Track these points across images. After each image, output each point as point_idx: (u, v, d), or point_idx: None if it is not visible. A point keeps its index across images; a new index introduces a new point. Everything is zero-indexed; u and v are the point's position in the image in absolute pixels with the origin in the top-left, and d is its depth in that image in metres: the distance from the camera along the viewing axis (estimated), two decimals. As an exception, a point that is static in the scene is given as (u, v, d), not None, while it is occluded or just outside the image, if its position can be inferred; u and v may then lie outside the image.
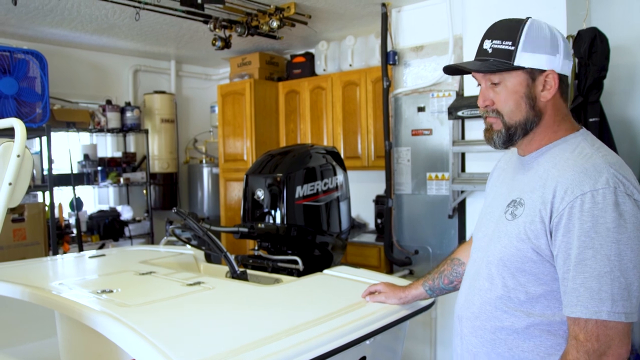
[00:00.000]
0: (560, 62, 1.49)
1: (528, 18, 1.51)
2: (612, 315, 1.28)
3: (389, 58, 4.48)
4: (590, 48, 3.19)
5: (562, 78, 1.50)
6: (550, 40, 1.48)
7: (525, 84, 1.49)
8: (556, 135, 1.52)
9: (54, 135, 5.14)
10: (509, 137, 1.54)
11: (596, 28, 3.23)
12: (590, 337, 1.30)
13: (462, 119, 3.89)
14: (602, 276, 1.29)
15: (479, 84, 1.59)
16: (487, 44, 1.51)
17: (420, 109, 4.32)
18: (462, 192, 3.99)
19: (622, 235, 1.30)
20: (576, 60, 3.29)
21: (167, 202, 6.51)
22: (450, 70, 1.63)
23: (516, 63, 1.47)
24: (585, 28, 3.30)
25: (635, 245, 1.30)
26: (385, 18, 4.45)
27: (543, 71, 1.48)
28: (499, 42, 1.49)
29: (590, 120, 3.21)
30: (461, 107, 3.78)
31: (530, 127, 1.52)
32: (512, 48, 1.46)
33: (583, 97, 3.22)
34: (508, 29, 1.49)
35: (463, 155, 4.07)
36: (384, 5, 4.42)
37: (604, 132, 3.23)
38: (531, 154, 1.56)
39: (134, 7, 4.22)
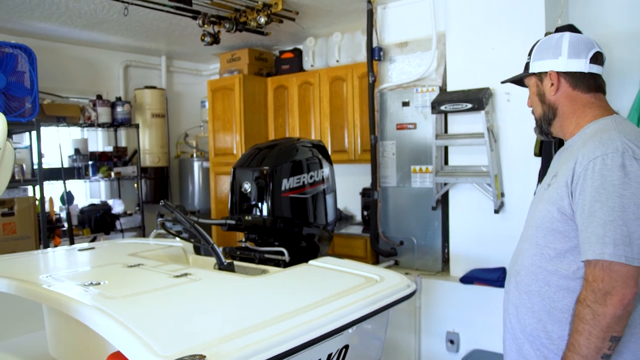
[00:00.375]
0: (564, 62, 1.81)
1: (548, 33, 2.00)
2: (614, 257, 1.51)
3: (375, 54, 4.54)
4: (568, 44, 3.26)
5: (570, 74, 1.81)
6: (554, 47, 1.83)
7: (536, 85, 1.90)
8: (586, 119, 1.81)
9: (44, 129, 5.18)
10: (540, 129, 1.94)
11: (573, 25, 3.31)
12: (597, 278, 1.54)
13: (445, 113, 3.96)
14: (606, 224, 1.53)
15: None
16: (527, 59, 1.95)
17: (405, 104, 4.39)
18: (445, 184, 4.08)
19: (626, 191, 1.54)
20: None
21: (158, 196, 6.54)
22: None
23: (530, 71, 1.90)
24: (563, 25, 3.38)
25: (638, 200, 1.54)
26: (370, 15, 4.51)
27: (545, 72, 1.85)
28: (527, 58, 1.93)
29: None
30: (444, 101, 3.86)
31: (550, 118, 1.89)
32: (528, 60, 1.91)
33: (561, 92, 3.30)
34: (532, 47, 1.92)
35: (446, 148, 4.15)
36: (369, 2, 4.48)
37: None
38: (571, 138, 1.86)
39: (123, 2, 4.26)
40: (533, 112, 1.96)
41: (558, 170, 1.77)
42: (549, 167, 2.01)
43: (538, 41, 1.91)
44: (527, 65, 1.92)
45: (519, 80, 2.01)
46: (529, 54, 1.91)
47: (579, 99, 1.82)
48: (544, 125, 1.90)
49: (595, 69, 1.80)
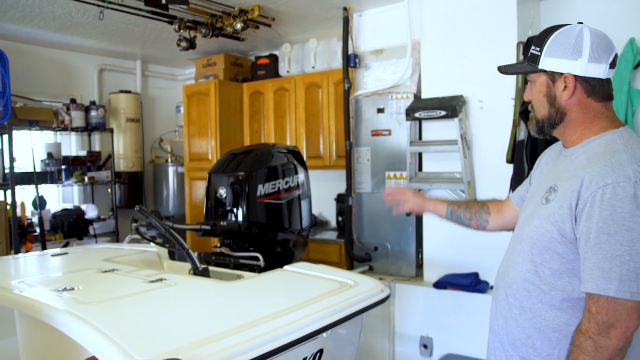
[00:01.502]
0: (583, 66, 1.62)
1: (565, 25, 1.68)
2: (619, 293, 1.45)
3: (350, 61, 4.58)
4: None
5: (588, 80, 1.64)
6: (574, 46, 1.62)
7: (546, 85, 1.69)
8: (592, 131, 1.67)
9: (17, 133, 5.11)
10: (539, 128, 1.76)
11: (544, 35, 3.38)
12: (601, 310, 1.48)
13: (420, 120, 4.01)
14: (613, 258, 1.46)
15: None
16: (532, 49, 1.72)
17: (380, 110, 4.43)
18: (420, 190, 4.13)
19: (636, 224, 1.46)
20: (525, 65, 3.44)
21: (132, 201, 6.48)
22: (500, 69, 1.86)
23: (540, 66, 1.68)
24: (534, 35, 3.45)
25: None
26: (346, 22, 4.56)
27: (561, 74, 1.65)
28: (534, 47, 1.70)
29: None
30: (418, 108, 3.91)
31: (555, 122, 1.71)
32: (539, 53, 1.68)
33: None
34: (542, 36, 1.69)
35: (420, 155, 4.21)
36: (345, 9, 4.53)
37: (551, 134, 3.39)
38: (573, 147, 1.72)
39: (98, 5, 4.23)
40: (532, 109, 1.78)
41: (557, 184, 1.66)
42: (539, 173, 1.93)
43: (551, 32, 1.67)
44: (532, 57, 1.69)
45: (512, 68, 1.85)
46: (538, 45, 1.69)
47: (590, 108, 1.67)
48: (546, 127, 1.73)
49: (611, 73, 1.67)
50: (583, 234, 1.52)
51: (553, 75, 1.67)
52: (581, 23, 1.68)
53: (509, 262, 1.81)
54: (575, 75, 1.63)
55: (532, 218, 1.71)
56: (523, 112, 3.40)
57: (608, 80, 1.68)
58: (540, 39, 1.69)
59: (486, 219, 2.24)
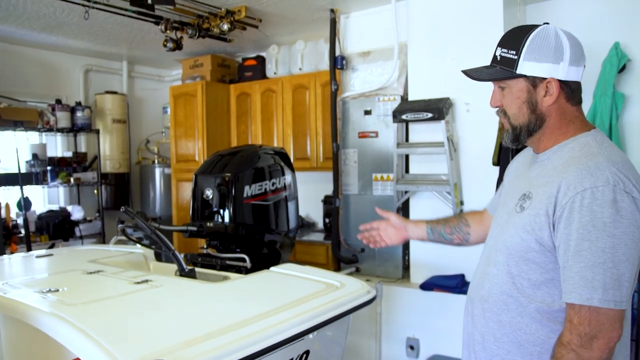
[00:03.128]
0: (565, 70, 1.56)
1: (537, 26, 1.59)
2: (603, 302, 1.39)
3: (337, 63, 4.59)
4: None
5: (568, 84, 1.59)
6: (554, 49, 1.55)
7: (527, 91, 1.59)
8: (566, 135, 1.62)
9: (1, 134, 5.09)
10: (515, 137, 1.66)
11: (529, 38, 3.41)
12: (583, 321, 1.42)
13: (406, 122, 4.03)
14: (595, 266, 1.40)
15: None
16: (498, 52, 1.62)
17: (367, 112, 4.45)
18: (406, 192, 4.14)
19: (617, 230, 1.40)
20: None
21: (118, 202, 6.46)
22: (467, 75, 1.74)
23: (518, 71, 1.57)
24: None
25: (630, 240, 1.40)
26: (333, 24, 4.56)
27: (544, 78, 1.57)
28: (506, 50, 1.59)
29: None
30: (405, 110, 3.92)
31: (534, 129, 1.63)
32: (515, 57, 1.56)
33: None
34: (515, 38, 1.59)
35: (407, 157, 4.22)
36: (332, 11, 4.54)
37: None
38: (544, 152, 1.66)
39: (83, 5, 4.20)
40: (507, 116, 1.67)
41: (531, 191, 1.60)
42: (511, 180, 1.86)
43: (524, 34, 1.58)
44: (508, 61, 1.59)
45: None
46: (513, 48, 1.58)
47: (568, 113, 1.62)
48: (522, 135, 1.65)
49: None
50: (562, 241, 1.46)
51: (534, 81, 1.58)
52: (547, 23, 1.61)
53: (484, 275, 1.72)
54: (558, 80, 1.57)
55: (507, 227, 1.64)
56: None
57: (580, 83, 1.64)
58: (513, 42, 1.58)
59: (467, 232, 2.16)
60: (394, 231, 2.30)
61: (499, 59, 1.61)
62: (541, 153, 1.67)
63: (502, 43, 1.62)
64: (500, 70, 1.61)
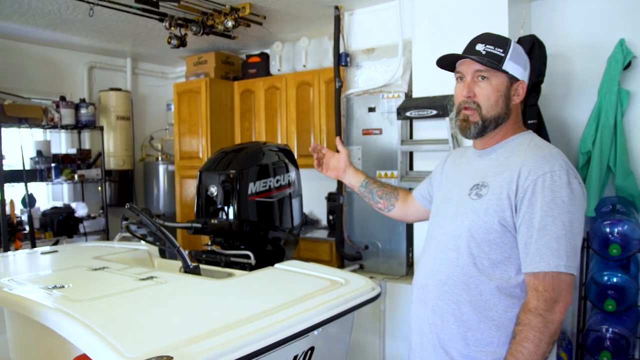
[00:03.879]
0: (527, 77, 1.84)
1: (504, 36, 1.85)
2: (567, 268, 1.60)
3: (341, 59, 4.58)
4: (530, 54, 3.35)
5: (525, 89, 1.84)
6: (525, 59, 1.83)
7: (505, 86, 1.79)
8: (514, 132, 1.85)
9: (5, 130, 5.09)
10: (483, 128, 1.82)
11: (534, 35, 3.41)
12: (548, 287, 1.61)
13: (411, 119, 4.01)
14: (560, 238, 1.61)
15: (460, 78, 1.87)
16: (481, 47, 1.80)
17: (371, 109, 4.44)
18: (410, 189, 4.12)
19: (572, 207, 1.63)
20: (516, 64, 3.46)
21: (122, 199, 6.47)
22: (443, 61, 1.93)
23: (504, 67, 1.77)
24: (525, 35, 3.47)
25: (580, 216, 1.66)
26: (338, 20, 4.55)
27: (517, 80, 1.81)
28: (492, 47, 1.78)
29: (529, 122, 3.38)
30: (409, 107, 3.91)
31: (500, 123, 1.81)
32: (503, 55, 1.77)
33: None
34: (500, 40, 1.81)
35: (411, 154, 4.21)
36: (336, 8, 4.53)
37: (541, 134, 3.40)
38: (491, 147, 1.86)
39: (88, 2, 4.21)
40: (480, 108, 1.80)
41: (485, 180, 1.78)
42: (447, 176, 2.03)
43: (506, 40, 1.81)
44: (495, 56, 1.77)
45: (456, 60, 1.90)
46: (500, 47, 1.78)
47: (519, 113, 1.87)
48: (490, 126, 1.81)
49: None
50: (525, 219, 1.65)
51: (512, 79, 1.79)
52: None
53: (440, 260, 1.84)
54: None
55: (464, 214, 1.79)
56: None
57: None
58: (499, 42, 1.79)
59: (393, 203, 2.37)
60: (335, 164, 2.51)
61: (484, 53, 1.78)
62: (487, 148, 1.87)
63: (485, 40, 1.81)
64: (490, 61, 1.78)
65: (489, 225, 1.71)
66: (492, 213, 1.71)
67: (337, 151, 2.52)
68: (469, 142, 3.87)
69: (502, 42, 1.80)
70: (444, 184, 2.05)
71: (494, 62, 1.77)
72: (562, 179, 1.64)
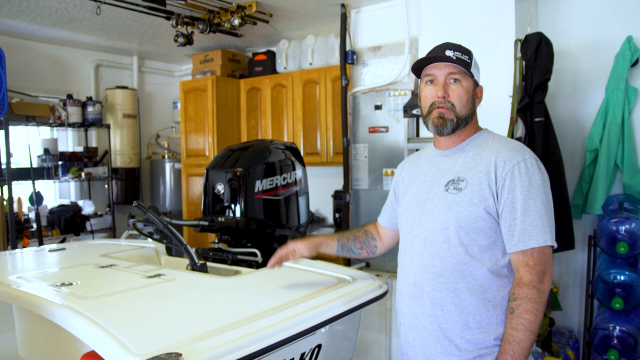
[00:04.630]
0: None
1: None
2: (551, 242, 1.79)
3: (348, 57, 4.58)
4: (537, 51, 3.34)
5: None
6: (479, 66, 2.01)
7: (472, 88, 1.96)
8: (475, 131, 2.01)
9: (13, 129, 5.10)
10: (457, 125, 1.94)
11: (542, 33, 3.39)
12: (537, 262, 1.78)
13: (417, 117, 4.01)
14: (542, 216, 1.79)
15: (430, 81, 1.96)
16: (450, 53, 1.93)
17: (377, 107, 4.44)
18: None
19: (545, 188, 1.83)
20: (523, 62, 3.45)
21: (129, 197, 6.50)
22: (419, 65, 2.00)
23: (472, 71, 1.95)
24: (532, 32, 3.46)
25: (551, 197, 1.85)
26: (344, 18, 4.55)
27: (478, 84, 1.99)
28: (459, 54, 1.93)
29: (536, 120, 3.37)
30: (416, 105, 3.91)
31: (467, 122, 1.96)
32: (469, 61, 1.94)
33: (529, 98, 3.38)
34: (464, 49, 1.97)
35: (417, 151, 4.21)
36: (343, 5, 4.52)
37: (548, 131, 3.39)
38: (456, 146, 2.00)
39: (95, 0, 4.22)
40: (454, 107, 1.92)
41: (461, 175, 1.90)
42: (416, 177, 2.08)
43: (467, 48, 1.98)
44: (463, 62, 1.92)
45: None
46: (466, 54, 1.94)
47: (476, 114, 2.02)
48: (462, 124, 1.94)
49: None
50: (507, 204, 1.81)
51: (475, 83, 1.97)
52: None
53: (431, 254, 1.93)
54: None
55: (447, 208, 1.89)
56: (520, 109, 3.41)
57: None
58: (464, 50, 1.95)
59: (374, 245, 2.40)
60: (307, 247, 2.34)
61: (454, 58, 1.91)
62: (453, 147, 1.99)
63: (453, 48, 1.95)
64: (466, 64, 1.93)
65: (475, 214, 1.84)
66: (477, 202, 1.84)
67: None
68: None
69: (467, 50, 1.97)
70: (408, 187, 2.13)
71: (464, 67, 1.93)
72: (533, 165, 1.82)
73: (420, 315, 1.95)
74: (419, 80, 2.05)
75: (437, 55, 1.94)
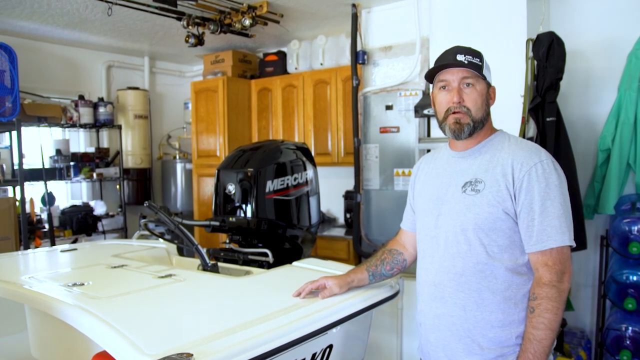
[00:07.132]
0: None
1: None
2: (570, 242, 1.80)
3: (359, 57, 4.57)
4: (548, 51, 3.32)
5: None
6: (490, 68, 2.00)
7: (485, 91, 1.96)
8: (490, 133, 2.00)
9: (25, 129, 5.13)
10: (474, 128, 1.93)
11: (554, 32, 3.37)
12: (556, 261, 1.79)
13: (428, 117, 4.00)
14: (560, 216, 1.80)
15: (444, 87, 1.96)
16: (462, 57, 1.92)
17: (388, 107, 4.42)
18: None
19: (563, 189, 1.83)
20: (535, 62, 3.43)
21: (140, 197, 6.51)
22: (432, 73, 1.99)
23: (483, 74, 1.94)
24: (544, 32, 3.43)
25: (568, 198, 1.86)
26: (355, 18, 4.54)
27: (491, 85, 1.99)
28: (471, 57, 1.92)
29: (548, 119, 3.35)
30: (427, 105, 3.89)
31: (483, 124, 1.96)
32: (480, 64, 1.94)
33: (541, 98, 3.36)
34: (475, 52, 1.96)
35: (429, 152, 4.18)
36: (354, 6, 4.52)
37: (559, 131, 3.37)
38: (472, 147, 1.98)
39: (107, 1, 4.24)
40: (470, 112, 1.91)
41: (478, 177, 1.91)
42: (433, 179, 2.06)
43: (477, 51, 1.96)
44: (475, 65, 1.91)
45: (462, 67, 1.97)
46: (477, 57, 1.93)
47: (490, 116, 2.02)
48: (478, 127, 1.94)
49: None
50: (525, 205, 1.82)
51: (488, 85, 1.97)
52: None
53: (452, 255, 1.94)
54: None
55: (466, 209, 1.90)
56: (532, 109, 3.39)
57: None
58: (475, 53, 1.95)
59: (403, 259, 2.30)
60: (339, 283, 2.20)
61: (466, 63, 1.91)
62: (470, 149, 1.98)
63: (463, 51, 1.94)
64: (478, 68, 1.93)
65: (494, 215, 1.85)
66: (495, 204, 1.84)
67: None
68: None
69: (477, 53, 1.96)
70: (423, 187, 2.14)
71: (477, 70, 1.93)
72: (550, 166, 1.83)
73: (442, 316, 1.97)
74: (431, 84, 2.05)
75: (448, 61, 1.95)
